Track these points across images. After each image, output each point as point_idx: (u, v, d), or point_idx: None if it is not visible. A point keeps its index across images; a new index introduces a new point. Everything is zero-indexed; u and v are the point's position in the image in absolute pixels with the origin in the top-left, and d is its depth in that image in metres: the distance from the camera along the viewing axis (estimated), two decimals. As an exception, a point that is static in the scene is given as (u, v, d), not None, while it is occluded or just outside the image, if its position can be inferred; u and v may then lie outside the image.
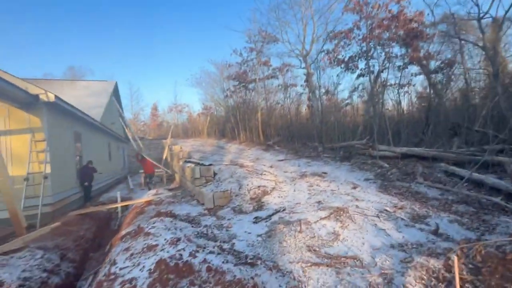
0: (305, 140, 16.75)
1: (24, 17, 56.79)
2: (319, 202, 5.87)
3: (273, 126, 22.36)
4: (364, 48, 14.00)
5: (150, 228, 3.99)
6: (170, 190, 11.15)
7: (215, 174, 8.50)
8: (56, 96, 6.90)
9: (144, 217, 5.56)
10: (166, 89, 74.00)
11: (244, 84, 20.87)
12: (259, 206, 6.06)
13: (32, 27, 59.59)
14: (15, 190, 6.46)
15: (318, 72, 15.78)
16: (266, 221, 5.07)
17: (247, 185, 7.18)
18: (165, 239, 3.55)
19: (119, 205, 6.89)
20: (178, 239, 3.47)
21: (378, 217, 4.73)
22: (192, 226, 4.82)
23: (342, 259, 3.43)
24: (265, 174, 8.37)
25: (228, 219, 5.43)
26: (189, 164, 10.13)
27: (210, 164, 8.97)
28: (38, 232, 4.17)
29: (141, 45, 72.68)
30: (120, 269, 2.97)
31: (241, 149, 17.97)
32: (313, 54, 15.15)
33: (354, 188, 6.92)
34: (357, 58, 14.86)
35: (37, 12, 60.67)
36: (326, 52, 14.47)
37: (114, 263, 3.27)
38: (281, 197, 6.56)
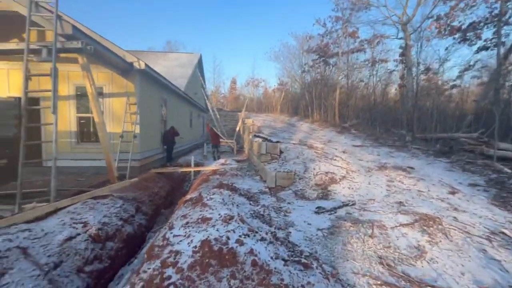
0: (390, 126, 14.45)
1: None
2: (399, 203, 4.83)
3: (352, 107, 20.15)
4: (497, 10, 10.33)
5: (208, 200, 3.98)
6: (238, 161, 11.52)
7: (281, 152, 8.14)
8: (146, 64, 7.58)
9: (207, 185, 5.74)
10: (246, 63, 76.08)
11: (324, 58, 19.09)
12: (324, 195, 5.43)
13: (140, 5, 69.00)
14: (112, 145, 7.71)
15: (420, 44, 12.78)
16: (330, 214, 4.46)
17: (314, 169, 6.56)
18: (219, 214, 3.43)
19: (190, 169, 7.40)
20: (231, 218, 3.29)
21: (490, 240, 3.49)
22: (250, 204, 4.65)
23: None
24: (335, 160, 7.51)
25: (288, 203, 5.05)
26: (257, 139, 10.06)
27: (277, 141, 8.62)
28: (121, 184, 4.78)
29: (226, 19, 75.47)
30: (174, 236, 2.99)
31: (313, 129, 16.97)
32: (416, 21, 12.23)
33: (453, 193, 5.43)
34: (482, 24, 11.20)
35: (146, -8, 69.37)
36: (436, 17, 11.39)
37: (171, 227, 3.36)
38: (352, 188, 5.72)
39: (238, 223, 3.25)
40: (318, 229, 3.82)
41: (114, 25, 67.38)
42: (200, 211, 3.65)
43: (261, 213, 4.29)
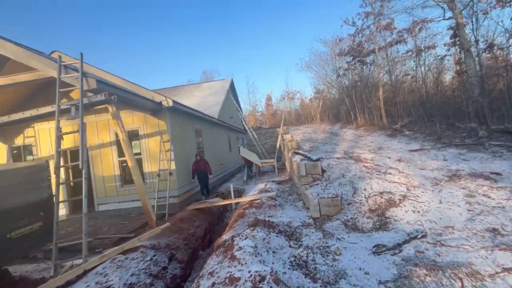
0: (453, 120, 12.24)
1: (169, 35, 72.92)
2: (493, 231, 3.57)
3: (400, 105, 17.97)
4: None
5: (238, 249, 3.40)
6: (279, 183, 10.83)
7: (323, 171, 7.25)
8: (173, 101, 7.67)
9: (243, 221, 5.19)
10: (279, 79, 76.44)
11: (359, 58, 17.66)
12: (382, 224, 4.40)
13: (173, 41, 75.91)
14: (151, 184, 7.83)
15: (476, 18, 10.69)
16: (394, 254, 3.46)
17: (365, 189, 5.53)
18: (249, 272, 2.83)
19: (225, 202, 6.99)
20: (263, 278, 2.65)
21: None
22: (290, 246, 3.93)
23: None
24: (390, 174, 6.32)
25: (338, 239, 4.17)
26: (296, 158, 9.33)
27: (318, 159, 7.76)
28: (153, 232, 4.57)
29: (255, 41, 77.99)
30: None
31: (358, 136, 15.46)
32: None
33: None
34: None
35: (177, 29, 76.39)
36: (491, -15, 9.41)
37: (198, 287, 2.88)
38: (418, 212, 4.56)
39: (271, 286, 2.59)
40: (380, 283, 2.90)
41: (154, 63, 75.11)
42: (228, 266, 3.09)
43: (304, 258, 3.53)
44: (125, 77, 8.37)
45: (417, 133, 12.05)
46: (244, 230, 4.36)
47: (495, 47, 12.82)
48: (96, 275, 3.47)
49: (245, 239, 3.84)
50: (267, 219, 4.94)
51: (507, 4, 9.20)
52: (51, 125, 8.15)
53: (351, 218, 4.76)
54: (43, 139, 8.27)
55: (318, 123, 30.65)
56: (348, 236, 4.20)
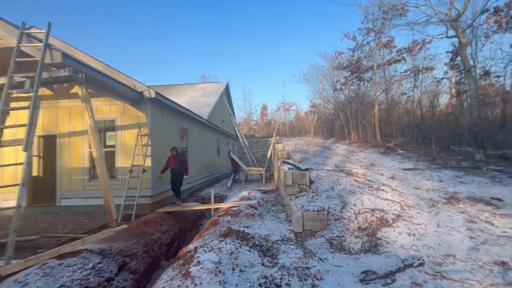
0: (448, 142, 11.95)
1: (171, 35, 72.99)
2: (503, 265, 3.01)
3: (394, 124, 17.77)
4: None
5: (195, 264, 2.73)
6: (264, 192, 10.19)
7: (311, 182, 6.66)
8: (156, 92, 7.05)
9: (215, 230, 4.52)
10: (277, 89, 76.78)
11: (357, 74, 17.51)
12: (373, 246, 3.79)
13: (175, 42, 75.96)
14: (123, 180, 7.08)
15: (474, 43, 10.57)
16: (386, 284, 2.85)
17: (355, 204, 4.95)
18: (201, 297, 2.16)
19: (200, 208, 6.29)
20: (216, 308, 2.00)
21: None
22: (263, 264, 3.27)
23: None
24: (383, 190, 5.77)
25: (320, 259, 3.53)
26: (284, 166, 8.75)
27: (307, 169, 7.19)
28: (103, 234, 3.85)
29: (255, 49, 78.65)
30: None
31: (351, 151, 15.04)
32: (467, 18, 10.21)
33: None
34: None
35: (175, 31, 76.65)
36: (493, 11, 9.34)
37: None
38: (413, 234, 3.98)
39: (226, 320, 1.93)
40: (369, 322, 2.26)
41: (153, 64, 74.64)
42: (178, 286, 2.41)
43: (277, 281, 2.88)
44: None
45: (410, 153, 11.68)
46: (212, 241, 3.69)
47: (492, 75, 12.78)
48: (13, 284, 2.73)
49: (209, 251, 3.17)
50: (242, 229, 4.28)
51: (507, 30, 9.12)
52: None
53: (338, 236, 4.14)
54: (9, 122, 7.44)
55: (312, 136, 30.30)
56: (333, 257, 3.57)
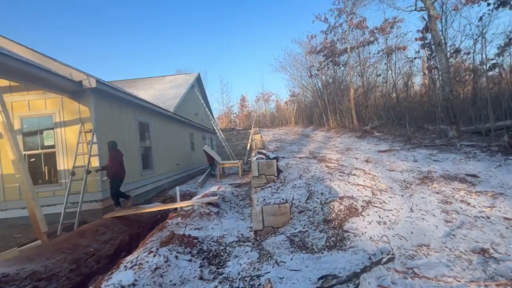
0: (422, 122, 11.82)
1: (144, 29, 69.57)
2: (483, 253, 2.54)
3: (371, 108, 17.63)
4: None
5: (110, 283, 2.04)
6: (237, 186, 9.59)
7: (279, 171, 6.09)
8: (98, 81, 6.11)
9: (159, 236, 3.83)
10: (255, 79, 75.38)
11: (332, 58, 17.06)
12: (338, 240, 3.25)
13: (148, 36, 72.61)
14: (64, 185, 6.16)
15: (444, 19, 10.29)
16: (348, 290, 2.30)
17: (322, 193, 4.40)
18: None
19: (152, 209, 5.55)
20: None
21: None
22: (201, 277, 2.62)
23: None
24: (354, 175, 5.29)
25: (276, 263, 2.94)
26: (255, 157, 8.15)
27: (275, 158, 6.62)
28: (5, 254, 3.06)
29: (229, 39, 76.50)
30: None
31: (328, 137, 14.70)
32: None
33: None
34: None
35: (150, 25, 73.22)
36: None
37: None
38: (384, 223, 3.49)
39: None
40: None
41: (128, 57, 71.09)
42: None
43: (213, 301, 2.25)
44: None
45: (386, 135, 11.44)
46: (148, 251, 2.99)
47: (462, 52, 12.71)
48: None
49: (130, 268, 2.48)
50: (189, 233, 3.61)
51: (476, 2, 8.86)
52: None
53: (300, 231, 3.58)
54: None
55: (293, 126, 29.99)
56: (291, 259, 2.99)
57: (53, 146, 6.27)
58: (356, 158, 7.40)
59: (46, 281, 3.20)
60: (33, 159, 6.33)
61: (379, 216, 3.64)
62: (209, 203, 5.19)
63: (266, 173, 5.89)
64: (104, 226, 4.71)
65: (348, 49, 15.31)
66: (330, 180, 4.92)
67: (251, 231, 4.07)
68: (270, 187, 5.29)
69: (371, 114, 16.92)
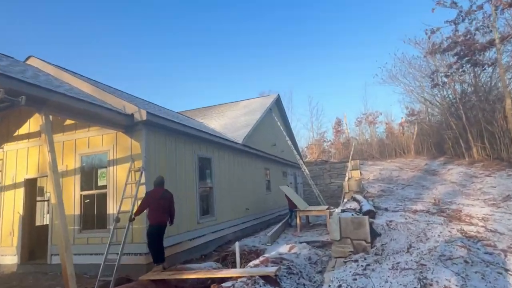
0: None
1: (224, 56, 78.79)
2: None
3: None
4: None
5: None
6: (320, 246, 8.37)
7: (376, 235, 4.87)
8: (149, 113, 6.69)
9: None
10: (354, 98, 71.21)
11: (469, 57, 14.31)
12: None
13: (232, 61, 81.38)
14: (116, 232, 6.70)
15: None
16: None
17: (447, 289, 3.04)
18: None
19: (199, 275, 5.20)
20: None
21: None
22: None
23: None
24: (519, 256, 3.58)
25: None
26: (345, 206, 7.14)
27: (369, 212, 5.43)
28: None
29: (319, 51, 75.80)
30: None
31: (470, 176, 11.79)
32: None
33: None
34: None
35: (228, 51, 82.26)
36: None
37: None
38: None
39: None
40: None
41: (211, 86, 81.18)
42: None
43: None
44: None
45: None
46: None
47: None
48: None
49: None
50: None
51: None
52: (19, 146, 8.16)
53: None
54: (10, 163, 8.26)
55: (412, 157, 26.37)
56: None
57: (105, 187, 7.07)
58: (524, 218, 5.29)
59: None
60: (87, 200, 7.28)
61: None
62: (264, 276, 4.47)
63: (353, 237, 4.83)
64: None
65: (497, 41, 12.49)
66: (466, 262, 3.44)
67: None
68: (356, 261, 4.19)
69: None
